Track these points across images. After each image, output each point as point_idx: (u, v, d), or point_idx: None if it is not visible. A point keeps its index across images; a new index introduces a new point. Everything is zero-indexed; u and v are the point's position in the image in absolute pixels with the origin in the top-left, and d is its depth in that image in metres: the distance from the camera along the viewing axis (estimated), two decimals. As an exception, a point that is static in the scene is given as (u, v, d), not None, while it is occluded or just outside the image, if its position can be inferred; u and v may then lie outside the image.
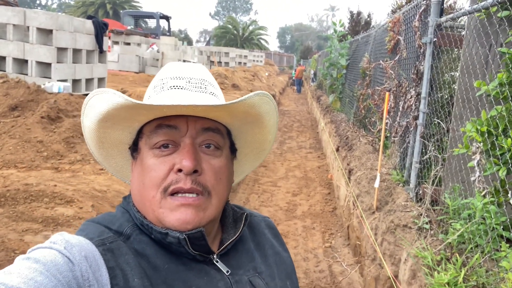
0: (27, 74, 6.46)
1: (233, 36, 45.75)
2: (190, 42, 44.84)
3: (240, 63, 23.69)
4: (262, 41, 48.65)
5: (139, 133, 0.76)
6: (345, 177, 5.36)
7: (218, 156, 0.74)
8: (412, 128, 3.59)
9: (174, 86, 0.73)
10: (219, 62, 21.32)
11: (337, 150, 6.69)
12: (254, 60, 29.26)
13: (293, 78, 26.08)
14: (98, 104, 0.71)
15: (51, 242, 0.60)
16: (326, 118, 10.01)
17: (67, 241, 0.60)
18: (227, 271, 0.74)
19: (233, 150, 0.82)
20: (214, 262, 0.74)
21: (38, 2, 68.52)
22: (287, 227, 5.10)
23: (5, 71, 6.47)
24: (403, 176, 3.76)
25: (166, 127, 0.71)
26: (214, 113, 0.71)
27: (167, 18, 21.02)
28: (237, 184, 6.31)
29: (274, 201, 6.04)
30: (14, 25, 6.36)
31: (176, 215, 0.68)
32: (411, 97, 3.58)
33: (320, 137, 10.63)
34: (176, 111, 0.68)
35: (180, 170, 0.69)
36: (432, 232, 2.75)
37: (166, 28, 21.29)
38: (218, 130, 0.75)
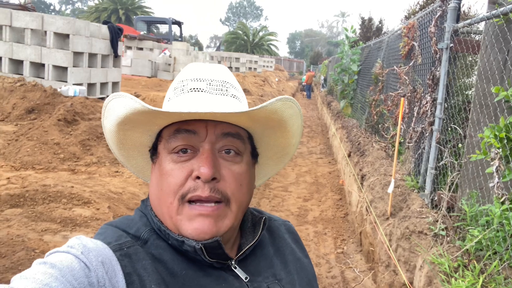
0: (43, 78, 6.58)
1: (243, 41, 45.99)
2: (200, 48, 45.22)
3: (250, 68, 23.79)
4: (272, 47, 48.81)
5: (159, 136, 0.74)
6: (357, 183, 5.33)
7: (238, 162, 0.72)
8: (427, 134, 3.57)
9: (194, 89, 0.71)
10: (230, 68, 21.43)
11: (349, 155, 6.67)
12: (264, 66, 29.36)
13: (303, 83, 26.08)
14: (117, 107, 0.70)
15: (68, 246, 0.60)
16: (337, 124, 9.99)
17: (84, 246, 0.60)
18: (246, 278, 0.72)
19: (254, 155, 0.79)
20: (232, 268, 0.72)
21: (52, 7, 69.79)
22: (299, 232, 5.05)
23: (22, 74, 6.60)
24: (417, 182, 3.74)
25: (184, 131, 0.69)
26: (234, 118, 0.68)
27: (179, 23, 21.23)
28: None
29: (285, 206, 6.04)
30: (32, 29, 6.50)
31: (193, 225, 0.66)
32: (427, 102, 3.56)
33: (331, 142, 10.60)
34: (195, 115, 0.66)
35: (198, 177, 0.67)
36: (448, 238, 2.73)
37: (178, 33, 21.50)
38: (239, 135, 0.72)
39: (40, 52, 6.53)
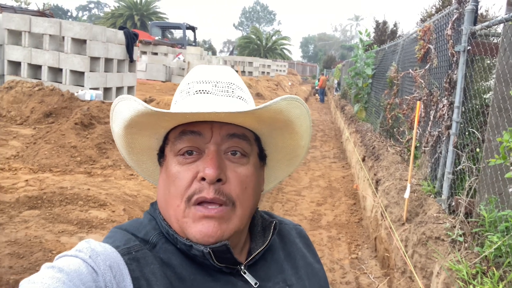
0: (61, 82, 6.72)
1: (257, 46, 46.15)
2: (214, 52, 45.53)
3: (263, 72, 23.84)
4: (285, 51, 48.85)
5: (166, 139, 0.74)
6: (372, 188, 5.27)
7: (244, 164, 0.70)
8: (444, 138, 3.51)
9: (200, 91, 0.71)
10: (243, 72, 21.53)
11: (363, 160, 6.60)
12: (277, 70, 29.39)
13: (316, 87, 26.01)
14: (123, 110, 0.70)
15: (77, 250, 0.60)
16: (350, 128, 9.92)
17: (92, 250, 0.59)
18: (255, 283, 0.70)
19: (262, 157, 0.78)
20: (242, 273, 0.71)
21: (69, 14, 71.31)
22: (312, 237, 5.05)
23: (40, 79, 6.75)
24: (434, 187, 3.67)
25: (190, 133, 0.69)
26: (239, 118, 0.67)
27: (193, 28, 21.46)
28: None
29: (298, 211, 6.00)
30: (50, 35, 6.65)
31: (198, 227, 0.66)
32: (444, 106, 3.51)
33: (345, 147, 10.52)
34: (199, 117, 0.66)
35: (203, 179, 0.66)
36: (466, 244, 2.67)
37: (192, 38, 21.72)
38: (245, 136, 0.71)
39: (58, 57, 6.67)
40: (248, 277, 0.71)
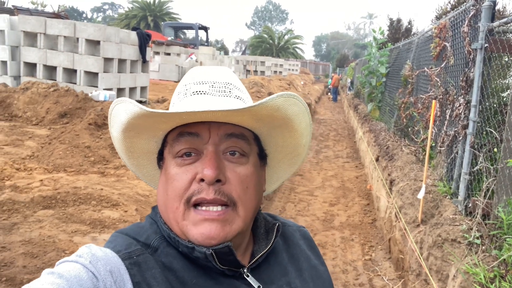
0: (75, 83, 6.81)
1: (269, 45, 46.10)
2: (226, 52, 45.68)
3: (275, 72, 23.80)
4: (298, 50, 48.68)
5: (164, 142, 0.73)
6: (385, 188, 5.20)
7: (243, 164, 0.70)
8: (460, 138, 3.43)
9: (197, 92, 0.70)
10: (255, 71, 21.52)
11: (377, 160, 6.52)
12: (289, 69, 29.29)
13: (329, 86, 25.84)
14: (119, 114, 0.70)
15: (77, 255, 0.60)
16: (364, 127, 9.81)
17: (93, 255, 0.59)
18: (258, 286, 0.70)
19: (262, 156, 0.77)
20: (245, 276, 0.70)
21: (84, 15, 72.42)
22: (325, 238, 5.00)
23: (56, 80, 6.85)
24: (450, 188, 3.59)
25: (187, 134, 0.68)
26: (236, 117, 0.67)
27: (205, 28, 21.55)
28: (272, 192, 6.23)
29: (311, 211, 5.96)
30: (65, 37, 6.74)
31: (199, 230, 0.65)
32: (460, 105, 3.43)
33: (358, 146, 10.41)
34: (196, 117, 0.65)
35: (202, 180, 0.65)
36: (484, 247, 2.60)
37: (204, 38, 21.83)
38: (243, 136, 0.70)
39: (73, 58, 6.76)
40: (251, 280, 0.70)
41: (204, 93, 0.70)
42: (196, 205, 0.66)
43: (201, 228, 0.65)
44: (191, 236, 0.65)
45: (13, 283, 2.02)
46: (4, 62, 7.04)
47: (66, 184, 3.49)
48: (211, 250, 0.64)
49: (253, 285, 0.70)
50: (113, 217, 2.92)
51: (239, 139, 0.70)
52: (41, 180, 3.56)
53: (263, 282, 0.71)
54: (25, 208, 2.98)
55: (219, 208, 0.66)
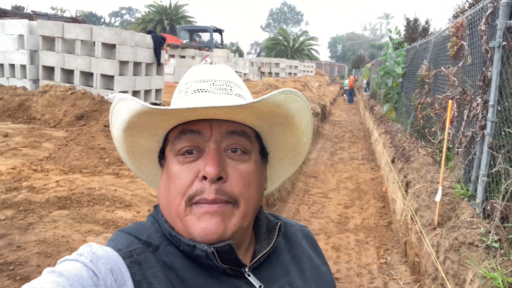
0: (92, 86, 6.92)
1: (284, 47, 46.04)
2: (241, 54, 45.82)
3: (290, 73, 23.73)
4: (313, 52, 48.45)
5: (166, 140, 0.74)
6: (401, 190, 5.10)
7: (245, 161, 0.70)
8: (478, 139, 3.34)
9: (198, 90, 0.70)
10: (270, 73, 21.51)
11: (393, 161, 6.41)
12: (304, 71, 29.18)
13: (345, 88, 25.64)
14: (121, 112, 0.70)
15: (78, 254, 0.60)
16: (380, 129, 9.68)
17: (93, 253, 0.59)
18: (260, 286, 0.69)
19: (263, 154, 0.77)
20: (246, 275, 0.69)
21: (102, 20, 73.82)
22: (339, 240, 4.94)
23: (73, 83, 6.99)
24: (468, 190, 3.50)
25: (189, 132, 0.68)
26: (237, 115, 0.67)
27: (220, 31, 21.65)
28: (286, 194, 6.12)
29: (325, 213, 5.90)
30: (81, 40, 6.87)
31: (201, 224, 0.65)
32: (477, 105, 3.34)
33: (374, 148, 10.27)
34: (197, 114, 0.65)
35: (204, 178, 0.65)
36: (502, 251, 2.52)
37: (219, 41, 21.92)
38: (245, 133, 0.71)
39: (89, 61, 6.88)
40: (252, 279, 0.69)
41: (205, 91, 0.70)
42: (198, 203, 0.66)
43: (203, 223, 0.65)
44: (193, 231, 0.65)
45: (27, 282, 2.05)
46: (24, 66, 7.22)
47: (81, 185, 3.54)
48: (212, 248, 0.64)
49: (255, 284, 0.69)
50: (126, 218, 2.94)
51: (241, 137, 0.70)
52: (57, 181, 3.62)
53: (264, 281, 0.70)
54: (41, 209, 3.03)
55: (220, 204, 0.66)
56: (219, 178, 0.66)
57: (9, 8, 10.42)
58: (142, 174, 0.83)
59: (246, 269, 0.70)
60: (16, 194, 3.21)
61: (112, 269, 0.58)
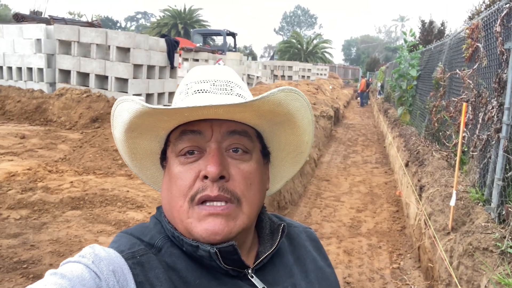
0: (107, 89, 7.03)
1: (297, 50, 45.96)
2: (254, 57, 45.96)
3: (303, 76, 23.65)
4: (327, 55, 48.24)
5: (167, 141, 0.74)
6: (415, 194, 5.03)
7: (247, 161, 0.70)
8: (493, 142, 3.27)
9: (198, 90, 0.70)
10: (283, 76, 21.49)
11: (407, 165, 6.33)
12: (318, 74, 29.03)
13: (359, 91, 25.44)
14: (121, 113, 0.70)
15: (80, 255, 0.60)
16: (394, 132, 9.56)
17: (96, 255, 0.59)
18: None
19: (265, 154, 0.76)
20: (249, 277, 0.69)
21: (118, 24, 75.02)
22: (351, 244, 4.89)
23: (88, 86, 7.11)
24: (483, 194, 3.43)
25: (190, 132, 0.68)
26: (238, 114, 0.67)
27: (233, 35, 21.76)
28: (298, 197, 6.06)
29: (337, 217, 5.85)
30: (97, 44, 6.99)
31: (204, 225, 0.65)
32: (493, 108, 3.27)
33: (387, 151, 10.15)
34: (198, 114, 0.65)
35: (206, 177, 0.65)
36: (518, 257, 2.46)
37: (232, 44, 22.03)
38: (246, 133, 0.70)
39: (104, 65, 6.99)
40: (255, 281, 0.69)
41: (206, 92, 0.70)
42: (200, 202, 0.66)
43: (206, 224, 0.65)
44: (196, 233, 0.65)
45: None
46: (41, 70, 7.38)
47: (95, 186, 3.59)
48: (215, 249, 0.64)
49: (258, 286, 0.69)
50: (137, 218, 2.97)
51: (242, 136, 0.70)
52: (71, 182, 3.69)
53: (267, 283, 0.70)
54: (55, 209, 3.09)
55: (223, 203, 0.66)
56: (222, 177, 0.66)
57: (27, 13, 10.69)
58: (144, 176, 0.84)
59: (249, 271, 0.69)
60: (31, 194, 3.28)
61: (115, 270, 0.59)
